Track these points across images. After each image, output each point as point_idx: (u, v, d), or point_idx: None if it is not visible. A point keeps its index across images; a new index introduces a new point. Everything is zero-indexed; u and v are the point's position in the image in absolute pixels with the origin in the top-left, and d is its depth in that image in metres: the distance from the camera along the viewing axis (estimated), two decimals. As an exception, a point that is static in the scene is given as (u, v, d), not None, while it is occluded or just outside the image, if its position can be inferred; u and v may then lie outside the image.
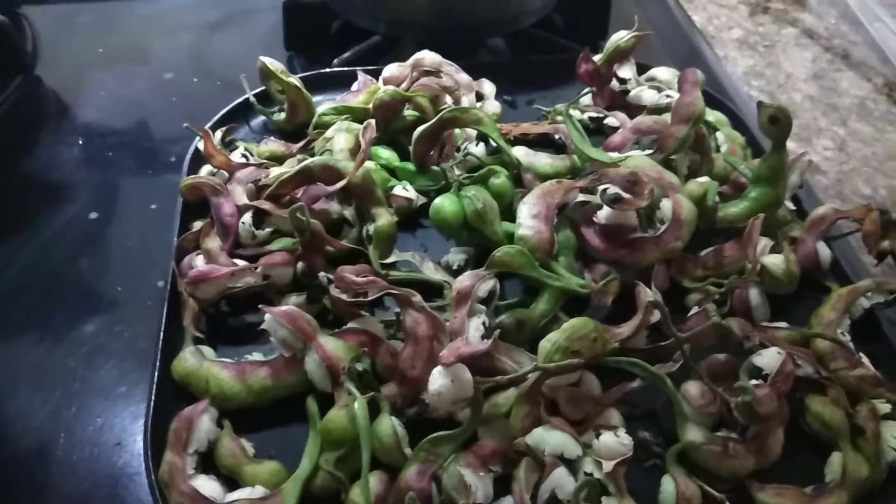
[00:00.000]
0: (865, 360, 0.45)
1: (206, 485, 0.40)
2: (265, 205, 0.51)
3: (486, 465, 0.39)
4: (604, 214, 0.49)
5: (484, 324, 0.43)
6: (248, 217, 0.52)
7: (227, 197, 0.52)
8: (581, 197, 0.50)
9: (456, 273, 0.50)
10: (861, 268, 0.53)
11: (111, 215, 0.64)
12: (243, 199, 0.52)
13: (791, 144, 0.61)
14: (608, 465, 0.37)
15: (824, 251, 0.51)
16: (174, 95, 0.76)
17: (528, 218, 0.47)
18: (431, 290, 0.50)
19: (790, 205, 0.54)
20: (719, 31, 0.87)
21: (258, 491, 0.40)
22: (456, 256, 0.52)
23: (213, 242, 0.50)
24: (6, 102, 0.74)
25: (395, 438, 0.40)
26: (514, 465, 0.40)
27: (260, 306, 0.45)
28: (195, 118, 0.71)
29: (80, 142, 0.70)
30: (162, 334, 0.48)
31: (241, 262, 0.49)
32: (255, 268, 0.48)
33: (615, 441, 0.39)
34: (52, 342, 0.54)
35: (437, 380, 0.40)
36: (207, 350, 0.47)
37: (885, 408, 0.43)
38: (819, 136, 0.74)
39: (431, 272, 0.50)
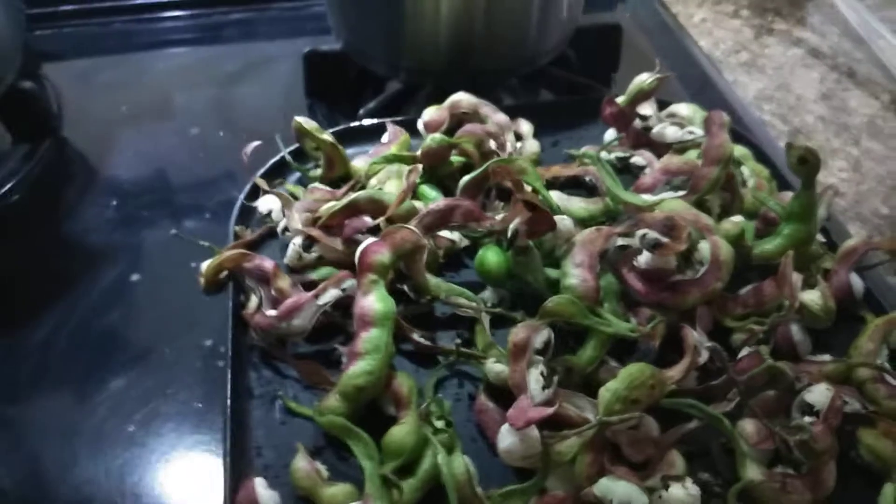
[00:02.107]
0: (908, 388, 0.47)
1: None
2: (314, 231, 0.54)
3: None
4: (644, 259, 0.50)
5: (542, 374, 0.45)
6: (298, 240, 0.55)
7: (259, 258, 0.54)
8: (620, 241, 0.52)
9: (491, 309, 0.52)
10: (893, 295, 0.55)
11: (152, 276, 0.65)
12: (298, 225, 0.55)
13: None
14: None
15: (857, 282, 0.53)
16: (201, 150, 0.77)
17: (573, 267, 0.49)
18: (462, 324, 0.53)
19: (820, 237, 0.56)
20: (726, 56, 0.89)
21: None
22: (492, 294, 0.54)
23: (284, 281, 0.52)
24: (37, 167, 0.75)
25: (467, 476, 0.42)
26: None
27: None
28: (225, 173, 0.74)
29: (114, 203, 0.72)
30: (229, 402, 0.49)
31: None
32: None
33: (684, 493, 0.40)
34: (108, 408, 0.55)
35: (507, 438, 0.42)
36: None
37: (932, 437, 0.44)
38: (834, 158, 0.76)
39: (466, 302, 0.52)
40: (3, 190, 0.72)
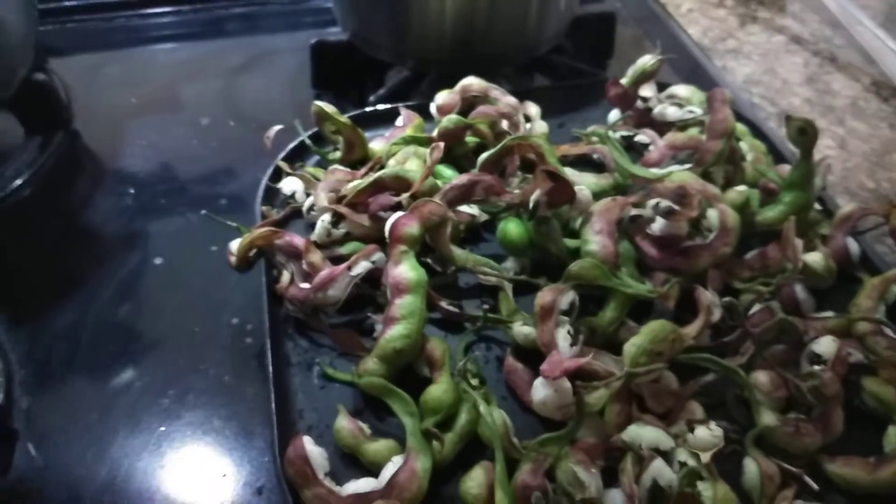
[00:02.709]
0: (905, 339, 0.51)
1: (356, 484, 0.44)
2: (343, 209, 0.57)
3: (592, 461, 0.44)
4: (657, 226, 0.53)
5: (569, 332, 0.48)
6: (327, 217, 0.57)
7: (289, 234, 0.56)
8: (634, 211, 0.55)
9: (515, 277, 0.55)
10: (889, 256, 0.59)
11: (175, 260, 0.67)
12: (324, 203, 0.57)
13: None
14: (706, 456, 0.42)
15: (853, 245, 0.57)
16: (214, 140, 0.79)
17: (594, 234, 0.52)
18: (486, 293, 0.56)
19: (817, 205, 0.60)
20: (714, 43, 0.93)
21: (391, 467, 0.44)
22: (513, 264, 0.57)
23: (316, 255, 0.54)
24: (51, 159, 0.76)
25: (505, 427, 0.45)
26: (615, 459, 0.45)
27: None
28: (239, 161, 0.76)
29: (132, 191, 0.73)
30: (271, 369, 0.51)
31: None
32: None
33: (709, 434, 0.44)
34: (141, 386, 0.57)
35: (541, 391, 0.45)
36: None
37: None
38: (821, 137, 0.79)
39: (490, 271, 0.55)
40: (19, 182, 0.73)
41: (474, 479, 0.43)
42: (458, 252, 0.55)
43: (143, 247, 0.68)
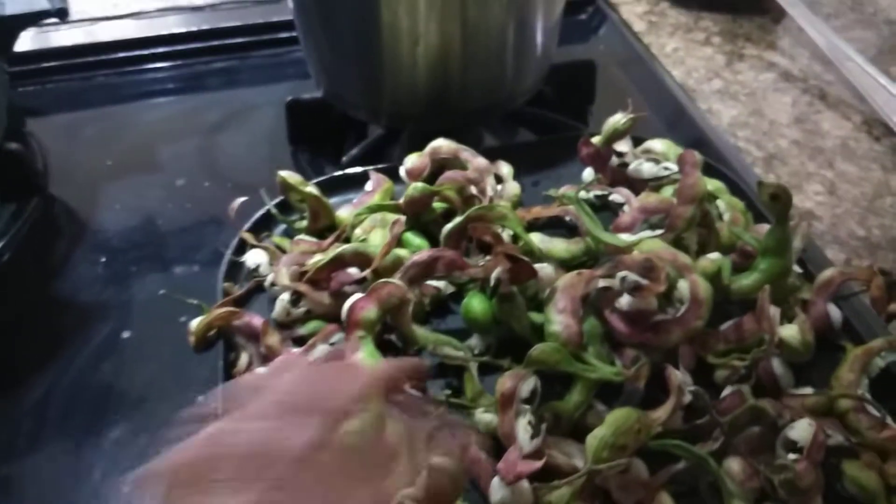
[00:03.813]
0: (889, 419, 0.48)
1: None
2: (302, 286, 0.55)
3: None
4: (625, 301, 0.51)
5: (530, 422, 0.46)
6: (286, 296, 0.56)
7: (248, 315, 0.56)
8: (602, 283, 0.53)
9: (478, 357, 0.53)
10: (873, 322, 0.56)
11: (143, 333, 0.65)
12: (286, 280, 0.56)
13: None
14: None
15: (835, 312, 0.54)
16: (188, 202, 0.78)
17: (556, 314, 0.50)
18: (451, 372, 0.54)
19: (797, 268, 0.57)
20: (699, 84, 0.91)
21: None
22: (479, 341, 0.55)
23: (273, 338, 0.53)
24: (25, 226, 0.76)
25: None
26: None
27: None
28: (212, 223, 0.75)
29: (104, 259, 0.72)
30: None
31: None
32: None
33: None
34: (104, 467, 0.55)
35: (498, 491, 0.43)
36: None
37: (914, 466, 0.46)
38: (809, 181, 0.77)
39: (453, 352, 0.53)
40: (-6, 249, 0.73)
41: None
42: (420, 332, 0.53)
43: (113, 318, 0.67)
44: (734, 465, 0.46)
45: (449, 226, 0.56)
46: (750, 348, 0.52)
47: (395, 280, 0.51)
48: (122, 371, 0.63)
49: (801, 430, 0.46)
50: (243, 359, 0.54)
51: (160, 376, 0.61)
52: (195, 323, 0.56)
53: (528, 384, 0.47)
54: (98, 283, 0.70)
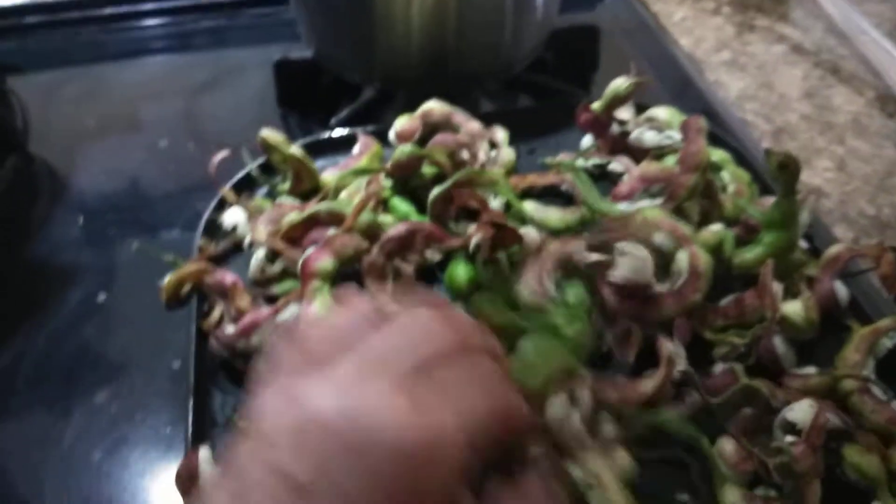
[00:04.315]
0: (894, 402, 0.45)
1: None
2: (277, 243, 0.53)
3: None
4: (617, 273, 0.48)
5: None
6: (261, 253, 0.54)
7: (221, 272, 0.54)
8: (595, 256, 0.50)
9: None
10: (881, 301, 0.53)
11: (119, 296, 0.63)
12: (262, 237, 0.54)
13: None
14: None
15: (841, 290, 0.51)
16: (171, 163, 0.75)
17: (526, 273, 0.48)
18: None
19: (803, 243, 0.55)
20: (708, 56, 0.87)
21: None
22: (464, 310, 0.52)
23: (243, 299, 0.51)
24: (2, 184, 0.73)
25: None
26: None
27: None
28: (194, 186, 0.72)
29: (81, 221, 0.70)
30: (191, 427, 0.47)
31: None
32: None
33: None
34: (74, 434, 0.53)
35: None
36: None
37: (919, 452, 0.43)
38: (818, 157, 0.74)
39: None
40: (-31, 207, 0.70)
41: None
42: None
43: (89, 281, 0.65)
44: (727, 446, 0.43)
45: (436, 190, 0.53)
46: (751, 325, 0.49)
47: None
48: (98, 335, 0.60)
49: (801, 411, 0.43)
50: (215, 314, 0.51)
51: (136, 340, 0.59)
52: (167, 278, 0.53)
53: None
54: (75, 245, 0.68)
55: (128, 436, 0.53)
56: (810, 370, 0.48)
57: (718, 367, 0.47)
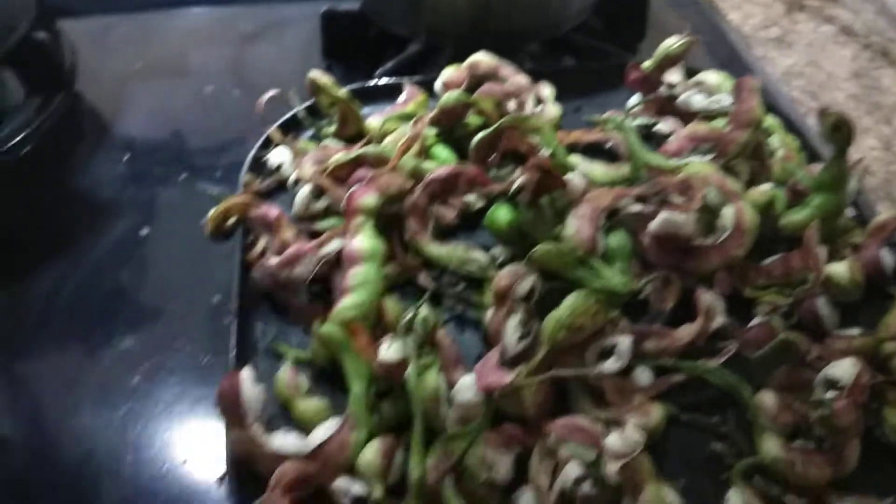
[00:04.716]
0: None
1: (282, 439, 0.42)
2: (323, 181, 0.53)
3: (508, 447, 0.40)
4: (656, 224, 0.48)
5: (521, 322, 0.44)
6: (307, 189, 0.54)
7: (266, 205, 0.54)
8: (635, 207, 0.50)
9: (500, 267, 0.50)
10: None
11: (162, 231, 0.64)
12: (308, 173, 0.55)
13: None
14: (613, 466, 0.38)
15: (887, 258, 0.51)
16: (216, 109, 0.76)
17: (573, 219, 0.47)
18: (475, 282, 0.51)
19: (850, 211, 0.54)
20: (756, 31, 0.86)
21: (323, 430, 0.42)
22: (503, 252, 0.52)
23: (288, 231, 0.52)
24: (49, 120, 0.74)
25: (435, 395, 0.42)
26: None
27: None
28: (239, 132, 0.72)
29: (126, 158, 0.71)
30: (234, 351, 0.48)
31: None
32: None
33: (619, 441, 0.39)
34: (112, 360, 0.55)
35: (465, 393, 0.41)
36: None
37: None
38: (864, 136, 0.73)
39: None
40: (14, 142, 0.71)
41: (371, 447, 0.40)
42: (436, 249, 0.51)
43: (132, 216, 0.66)
44: (767, 399, 0.43)
45: (481, 134, 0.53)
46: (794, 285, 0.48)
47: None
48: (139, 268, 0.62)
49: (844, 368, 0.42)
50: (259, 246, 0.52)
51: (178, 274, 0.61)
52: (212, 211, 0.54)
53: (526, 282, 0.44)
54: (119, 182, 0.69)
55: (166, 363, 0.54)
56: (854, 332, 0.47)
57: (755, 321, 0.47)
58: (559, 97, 0.65)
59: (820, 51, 0.84)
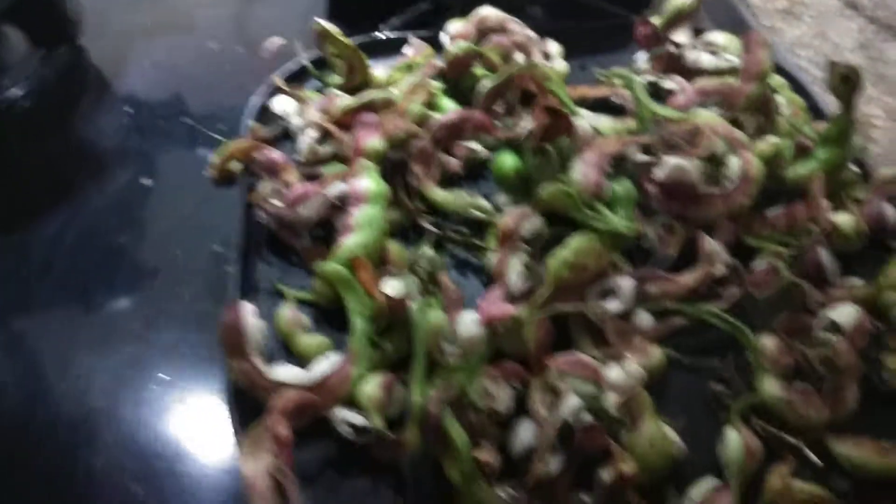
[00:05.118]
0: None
1: (285, 371, 0.42)
2: (329, 125, 0.53)
3: (506, 379, 0.41)
4: (662, 172, 0.48)
5: (526, 264, 0.43)
6: (313, 133, 0.54)
7: (270, 150, 0.54)
8: (641, 157, 0.49)
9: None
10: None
11: (164, 182, 0.64)
12: (315, 119, 0.54)
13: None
14: (614, 398, 0.38)
15: (890, 211, 0.51)
16: (220, 65, 0.75)
17: (580, 163, 0.47)
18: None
19: (855, 168, 0.54)
20: (765, 2, 0.86)
21: (326, 364, 0.42)
22: (509, 199, 0.52)
23: (292, 174, 0.52)
24: (53, 72, 0.74)
25: (436, 330, 0.41)
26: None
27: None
28: (242, 88, 0.72)
29: (130, 111, 0.71)
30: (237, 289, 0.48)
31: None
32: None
33: (622, 375, 0.40)
34: (113, 306, 0.54)
35: (469, 328, 0.41)
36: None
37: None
38: (869, 105, 0.73)
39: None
40: (17, 93, 0.71)
41: (371, 381, 0.41)
42: (441, 195, 0.51)
43: (134, 166, 0.65)
44: (769, 341, 0.43)
45: (488, 81, 0.53)
46: (798, 237, 0.48)
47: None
48: (142, 216, 0.61)
49: (846, 312, 0.43)
50: (264, 188, 0.52)
51: (179, 223, 0.60)
52: (216, 154, 0.54)
53: (531, 223, 0.44)
54: (122, 133, 0.69)
55: (166, 308, 0.54)
56: (855, 281, 0.47)
57: (759, 264, 0.47)
58: (565, 55, 0.65)
59: (827, 23, 0.84)
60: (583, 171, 0.47)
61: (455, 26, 0.62)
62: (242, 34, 0.79)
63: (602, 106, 0.61)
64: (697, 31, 0.65)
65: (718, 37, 0.63)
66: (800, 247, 0.47)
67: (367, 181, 0.47)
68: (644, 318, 0.44)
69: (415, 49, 0.63)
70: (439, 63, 0.57)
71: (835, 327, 0.42)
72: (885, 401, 0.44)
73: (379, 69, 0.62)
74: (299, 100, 0.58)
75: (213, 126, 0.68)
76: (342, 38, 0.59)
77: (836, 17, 0.85)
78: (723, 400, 0.43)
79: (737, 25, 0.81)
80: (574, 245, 0.43)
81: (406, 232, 0.51)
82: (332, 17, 0.79)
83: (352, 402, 0.41)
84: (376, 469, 0.41)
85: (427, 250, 0.45)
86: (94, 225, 0.60)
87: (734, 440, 0.40)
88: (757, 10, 0.85)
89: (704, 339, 0.46)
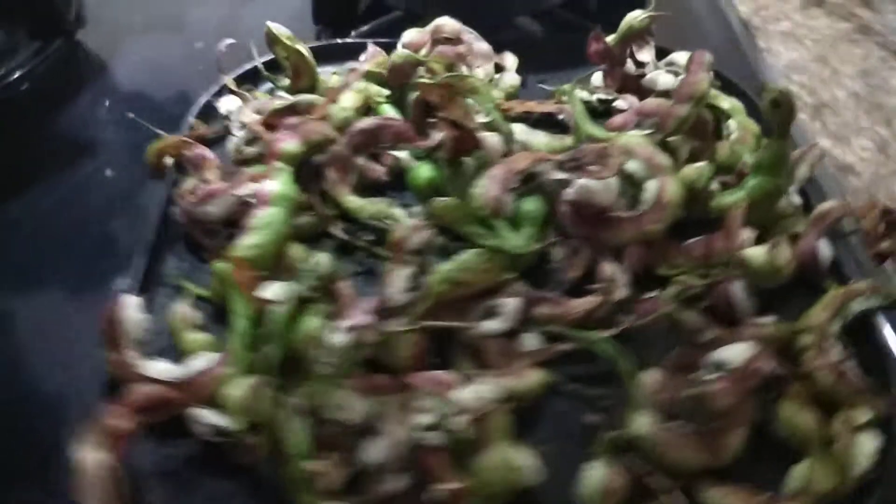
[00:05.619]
0: (851, 363, 0.42)
1: (157, 367, 0.42)
2: (256, 126, 0.54)
3: (365, 392, 0.40)
4: (571, 190, 0.46)
5: (413, 276, 0.43)
6: (241, 134, 0.55)
7: (200, 148, 0.55)
8: (560, 174, 0.48)
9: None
10: (865, 266, 0.49)
11: (125, 173, 0.66)
12: (247, 119, 0.55)
13: (826, 143, 0.57)
14: (459, 419, 0.37)
15: (824, 249, 0.48)
16: (202, 64, 0.77)
17: (485, 178, 0.46)
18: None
19: (797, 199, 0.51)
20: (766, 23, 0.83)
21: (200, 362, 0.42)
22: (425, 210, 0.51)
23: (213, 173, 0.53)
24: (44, 63, 0.77)
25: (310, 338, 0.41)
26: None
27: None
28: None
29: (107, 103, 0.73)
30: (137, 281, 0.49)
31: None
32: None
33: (472, 395, 0.38)
34: (72, 293, 0.56)
35: (335, 336, 0.40)
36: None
37: (861, 418, 0.39)
38: (858, 136, 0.69)
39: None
40: (9, 80, 0.75)
41: (238, 383, 0.40)
42: (355, 202, 0.50)
43: (102, 157, 0.68)
44: (650, 375, 0.40)
45: (418, 93, 0.52)
46: (715, 268, 0.46)
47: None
48: (97, 204, 0.64)
49: (736, 351, 0.40)
50: (188, 184, 0.52)
51: (123, 210, 0.62)
52: (149, 149, 0.55)
53: (420, 236, 0.43)
54: (101, 125, 0.72)
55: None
56: (767, 320, 0.45)
57: (646, 295, 0.45)
58: (526, 68, 0.64)
59: (830, 47, 0.80)
60: (486, 185, 0.46)
61: (409, 34, 0.62)
62: (228, 35, 0.80)
63: (548, 122, 0.59)
64: (661, 51, 0.62)
65: (681, 57, 0.61)
66: (713, 279, 0.45)
67: (274, 183, 0.47)
68: (530, 341, 0.43)
69: (370, 54, 0.63)
70: (363, 69, 0.57)
71: (719, 366, 0.40)
72: (779, 449, 0.41)
73: (336, 76, 0.62)
74: (244, 100, 0.58)
75: (184, 123, 0.70)
76: (288, 42, 0.59)
77: (841, 42, 0.81)
78: (596, 432, 0.40)
79: (728, 44, 0.78)
80: (459, 261, 0.42)
81: (319, 237, 0.51)
82: (318, 23, 0.81)
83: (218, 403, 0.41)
84: (238, 470, 0.41)
85: (322, 256, 0.45)
86: (54, 211, 0.63)
87: (595, 475, 0.38)
88: (757, 31, 0.81)
89: (598, 368, 0.44)
